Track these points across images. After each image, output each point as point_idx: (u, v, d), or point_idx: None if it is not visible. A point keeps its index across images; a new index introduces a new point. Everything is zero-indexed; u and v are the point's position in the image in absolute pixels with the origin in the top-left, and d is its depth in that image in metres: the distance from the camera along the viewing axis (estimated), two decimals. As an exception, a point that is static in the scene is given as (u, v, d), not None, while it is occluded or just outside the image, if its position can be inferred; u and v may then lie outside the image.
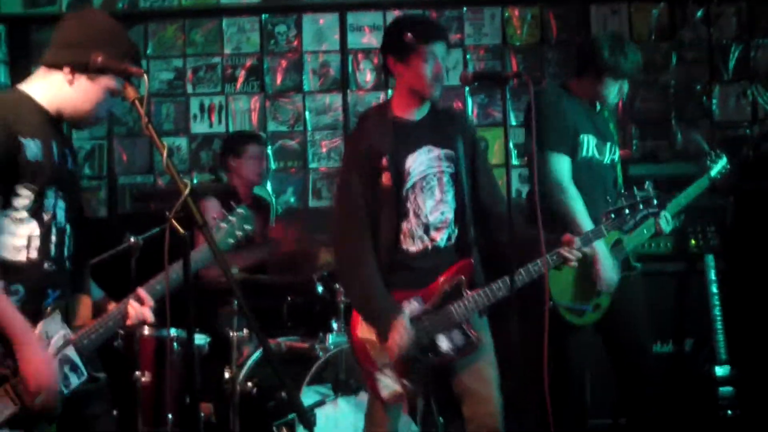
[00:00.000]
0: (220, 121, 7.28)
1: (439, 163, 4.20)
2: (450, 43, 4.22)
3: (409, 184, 4.17)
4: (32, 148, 3.17)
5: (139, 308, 3.39)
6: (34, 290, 3.20)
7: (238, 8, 7.28)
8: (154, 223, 5.02)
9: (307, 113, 7.29)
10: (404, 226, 4.17)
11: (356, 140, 4.30)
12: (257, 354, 5.15)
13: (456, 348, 4.13)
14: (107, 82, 3.30)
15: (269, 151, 7.15)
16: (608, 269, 4.69)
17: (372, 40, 7.25)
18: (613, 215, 4.19)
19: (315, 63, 7.30)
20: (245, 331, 5.20)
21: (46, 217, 3.24)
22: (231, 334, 5.16)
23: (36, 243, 3.22)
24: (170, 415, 4.85)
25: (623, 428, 5.38)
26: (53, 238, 3.27)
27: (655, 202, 4.24)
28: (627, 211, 4.19)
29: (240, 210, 3.57)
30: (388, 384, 4.12)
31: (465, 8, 7.25)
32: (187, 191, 2.85)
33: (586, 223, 4.61)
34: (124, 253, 4.99)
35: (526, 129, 5.16)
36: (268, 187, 7.13)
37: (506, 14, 7.24)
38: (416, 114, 4.25)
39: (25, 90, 3.31)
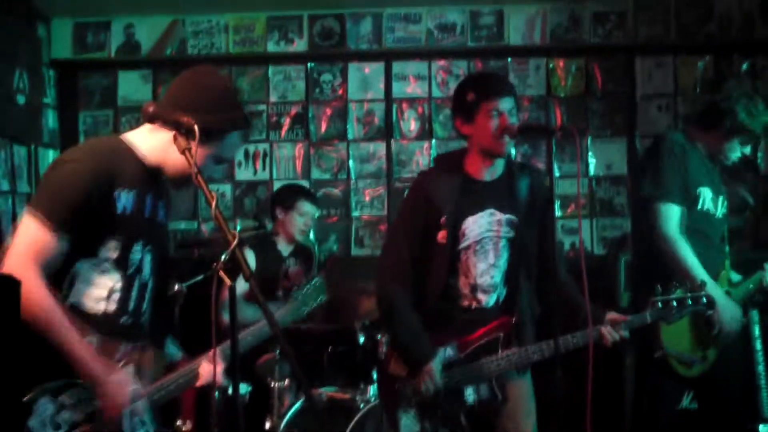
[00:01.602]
0: (264, 168, 7.32)
1: (499, 228, 4.21)
2: (517, 97, 4.18)
3: (463, 245, 4.18)
4: (123, 200, 3.18)
5: (211, 370, 3.41)
6: (107, 342, 3.20)
7: (285, 56, 7.33)
8: (197, 270, 5.04)
9: (350, 161, 7.31)
10: (452, 282, 4.19)
11: (419, 190, 4.31)
12: (298, 404, 5.13)
13: (480, 401, 4.15)
14: (215, 149, 3.26)
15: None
16: (729, 315, 4.68)
17: (416, 89, 7.28)
18: (660, 304, 4.15)
19: (360, 111, 7.33)
20: (286, 381, 5.19)
21: (130, 270, 3.26)
22: (272, 383, 5.16)
23: (116, 296, 3.24)
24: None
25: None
26: (134, 292, 3.29)
27: (704, 301, 4.22)
28: (674, 303, 4.16)
29: (317, 280, 3.57)
30: (409, 423, 4.14)
31: (510, 59, 7.26)
32: (235, 242, 2.84)
33: (699, 272, 4.55)
34: (168, 300, 5.01)
35: (641, 176, 5.08)
36: (311, 235, 7.15)
37: (551, 65, 7.25)
38: (487, 174, 4.23)
39: (128, 140, 3.30)
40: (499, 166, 4.23)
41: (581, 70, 7.24)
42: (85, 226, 3.09)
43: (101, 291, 3.21)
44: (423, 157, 7.22)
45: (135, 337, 3.33)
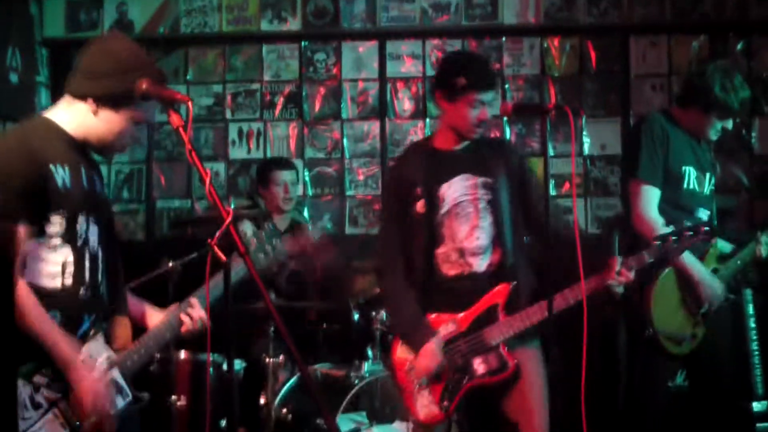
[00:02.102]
0: (258, 147, 7.31)
1: (475, 191, 4.26)
2: (497, 89, 4.26)
3: (443, 210, 4.26)
4: (61, 175, 3.19)
5: (193, 312, 3.49)
6: (70, 316, 3.21)
7: (278, 35, 7.31)
8: (191, 248, 5.04)
9: (344, 140, 7.30)
10: (440, 251, 4.26)
11: (393, 170, 4.53)
12: (293, 380, 5.14)
13: (491, 371, 4.16)
14: (131, 112, 3.31)
15: (306, 177, 7.19)
16: (708, 284, 4.69)
17: (411, 68, 7.27)
18: (659, 242, 4.16)
19: (353, 91, 7.32)
20: (281, 357, 5.20)
21: (78, 242, 3.26)
22: (267, 360, 5.16)
23: (70, 269, 3.23)
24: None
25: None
26: (87, 263, 3.29)
27: (706, 228, 4.21)
28: (674, 237, 4.16)
29: (268, 226, 3.60)
30: (425, 404, 4.18)
31: (504, 38, 7.25)
32: (230, 219, 2.85)
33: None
34: (161, 277, 5.01)
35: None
36: (305, 213, 7.15)
37: (545, 45, 7.23)
38: (455, 146, 4.33)
39: (51, 117, 3.32)
40: (466, 140, 4.32)
41: (575, 49, 7.22)
42: (30, 207, 3.11)
43: (55, 267, 3.20)
44: (417, 136, 7.21)
45: (95, 308, 3.33)
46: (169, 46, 7.36)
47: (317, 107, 7.34)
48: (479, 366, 4.16)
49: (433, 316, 4.23)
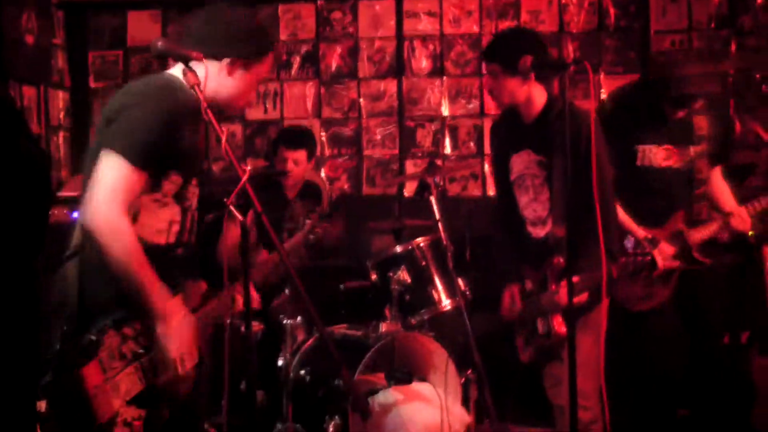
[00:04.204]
0: (275, 107, 7.29)
1: (534, 168, 4.45)
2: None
3: (512, 179, 4.57)
4: (188, 136, 3.28)
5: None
6: (165, 273, 3.25)
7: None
8: (207, 209, 5.03)
9: (361, 100, 7.27)
10: (518, 211, 4.60)
11: (491, 131, 4.89)
12: (311, 341, 5.14)
13: (544, 334, 4.39)
14: (261, 71, 3.48)
15: (323, 137, 7.18)
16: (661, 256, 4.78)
17: (427, 26, 7.22)
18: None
19: (370, 49, 7.28)
20: (299, 318, 5.20)
21: (186, 203, 3.37)
22: (285, 321, 5.16)
23: (175, 228, 3.34)
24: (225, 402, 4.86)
25: (686, 420, 5.36)
26: (188, 224, 3.40)
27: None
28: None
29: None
30: (520, 348, 4.61)
31: (521, -6, 7.20)
32: (246, 177, 2.85)
33: (632, 227, 4.81)
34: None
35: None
36: (322, 173, 7.13)
37: (563, 0, 7.16)
38: (527, 115, 4.45)
39: (178, 76, 3.34)
40: (540, 106, 4.42)
41: (594, 5, 7.15)
42: (156, 162, 3.19)
43: (162, 224, 3.30)
44: (434, 94, 7.18)
45: (186, 268, 3.44)
46: (185, 7, 7.31)
47: (334, 66, 7.31)
48: (540, 326, 4.41)
49: (527, 270, 4.54)
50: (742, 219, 4.79)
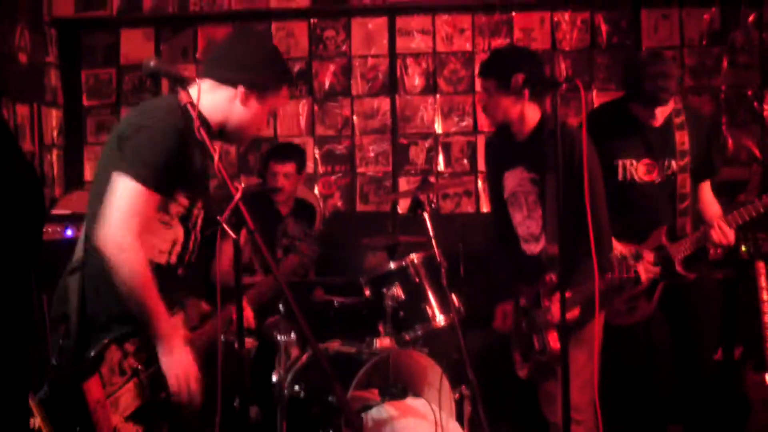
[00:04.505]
0: (268, 125, 7.29)
1: (527, 185, 4.48)
2: None
3: (505, 196, 4.64)
4: (197, 158, 3.33)
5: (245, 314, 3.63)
6: (166, 293, 3.28)
7: (287, 12, 7.28)
8: (202, 226, 5.03)
9: (354, 117, 7.28)
10: (511, 228, 4.66)
11: (486, 147, 4.97)
12: (305, 358, 5.13)
13: (539, 351, 4.43)
14: (273, 102, 3.50)
15: (316, 155, 7.18)
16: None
17: (421, 44, 7.24)
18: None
19: (363, 67, 7.30)
20: (293, 334, 5.19)
21: (190, 224, 3.40)
22: (279, 337, 5.16)
23: (177, 248, 3.38)
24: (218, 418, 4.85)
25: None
26: (191, 245, 3.43)
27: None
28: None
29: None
30: (516, 363, 4.66)
31: (514, 12, 7.21)
32: (239, 195, 2.86)
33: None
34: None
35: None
36: (315, 190, 7.14)
37: (555, 18, 7.19)
38: (520, 133, 4.49)
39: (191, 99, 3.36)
40: (533, 123, 4.45)
41: (586, 23, 7.18)
42: (165, 183, 3.22)
43: (165, 244, 3.33)
44: (427, 112, 7.19)
45: (187, 287, 3.48)
46: (179, 25, 7.33)
47: (327, 84, 7.32)
48: (535, 342, 4.45)
49: (521, 287, 4.60)
50: (723, 231, 4.75)
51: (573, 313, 4.12)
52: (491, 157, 4.83)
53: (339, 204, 7.25)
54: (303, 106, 7.31)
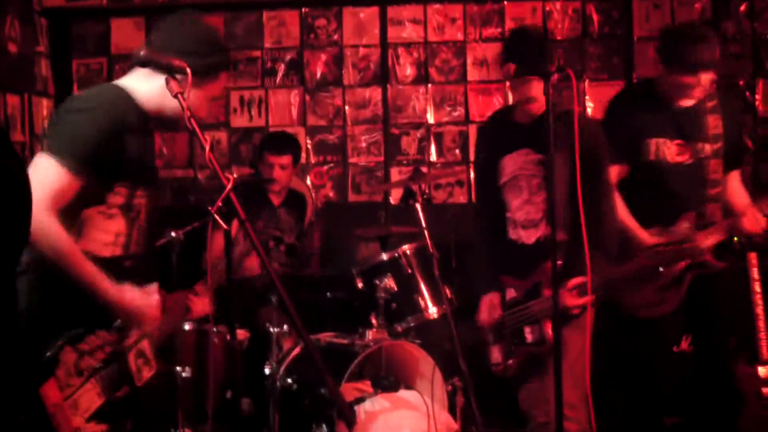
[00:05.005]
0: (260, 115, 7.28)
1: (533, 167, 4.41)
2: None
3: (502, 181, 4.51)
4: (133, 146, 3.26)
5: (201, 302, 3.63)
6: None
7: (279, 1, 7.26)
8: (194, 217, 5.02)
9: (346, 107, 7.26)
10: (504, 216, 4.54)
11: (478, 134, 4.95)
12: (297, 350, 5.13)
13: (534, 342, 4.37)
14: (212, 89, 3.45)
15: (308, 145, 7.17)
16: None
17: (412, 34, 7.22)
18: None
19: (355, 57, 7.27)
20: (285, 326, 5.18)
21: (133, 214, 3.35)
22: (271, 329, 5.15)
23: (121, 239, 3.33)
24: (210, 411, 4.84)
25: (675, 428, 5.37)
26: (135, 235, 3.38)
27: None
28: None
29: None
30: (494, 359, 4.56)
31: (506, 1, 7.19)
32: (230, 186, 2.85)
33: (637, 232, 4.71)
34: (164, 247, 4.98)
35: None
36: (307, 181, 7.12)
37: (547, 8, 7.17)
38: (526, 120, 4.46)
39: (127, 86, 3.36)
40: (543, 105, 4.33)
41: (578, 12, 7.17)
42: (97, 172, 3.16)
43: (108, 236, 3.29)
44: (419, 102, 7.18)
45: (136, 278, 3.39)
46: (170, 12, 7.27)
47: (318, 74, 7.30)
48: (528, 334, 4.38)
49: (506, 278, 4.53)
50: (755, 219, 4.63)
51: (589, 299, 4.12)
52: (486, 141, 4.74)
53: (331, 195, 7.24)
54: (294, 96, 7.29)
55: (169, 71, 3.20)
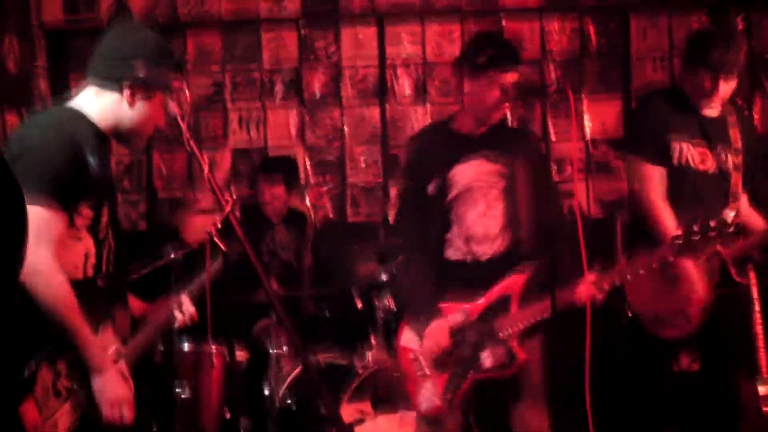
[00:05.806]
0: (258, 133, 7.26)
1: (489, 178, 4.21)
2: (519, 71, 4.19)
3: (452, 194, 4.21)
4: (92, 165, 3.18)
5: (186, 309, 3.58)
6: (91, 308, 3.18)
7: (277, 20, 7.26)
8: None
9: (344, 126, 7.25)
10: (448, 235, 4.22)
11: (409, 150, 4.55)
12: (297, 369, 5.12)
13: (499, 365, 4.09)
14: (163, 100, 3.28)
15: (306, 164, 7.16)
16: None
17: (410, 52, 7.21)
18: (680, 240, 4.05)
19: (353, 75, 7.27)
20: (284, 347, 5.18)
21: (100, 234, 3.27)
22: (270, 349, 5.14)
23: (92, 260, 3.24)
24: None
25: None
26: (104, 254, 3.30)
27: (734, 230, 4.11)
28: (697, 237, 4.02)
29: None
30: (427, 396, 4.13)
31: (504, 20, 7.19)
32: (229, 207, 2.84)
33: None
34: (163, 267, 4.98)
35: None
36: (306, 200, 7.12)
37: (546, 27, 7.17)
38: (474, 130, 4.27)
39: (78, 107, 3.28)
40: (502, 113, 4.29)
41: (576, 30, 7.17)
42: (66, 197, 3.09)
43: (78, 258, 3.20)
44: (418, 121, 7.17)
45: (111, 297, 3.36)
46: (167, 31, 7.29)
47: (317, 93, 7.29)
48: (486, 359, 4.10)
49: (445, 304, 4.17)
50: None
51: (601, 296, 4.00)
52: (424, 157, 4.34)
53: (330, 213, 7.22)
54: (293, 115, 7.28)
55: (117, 82, 3.20)
